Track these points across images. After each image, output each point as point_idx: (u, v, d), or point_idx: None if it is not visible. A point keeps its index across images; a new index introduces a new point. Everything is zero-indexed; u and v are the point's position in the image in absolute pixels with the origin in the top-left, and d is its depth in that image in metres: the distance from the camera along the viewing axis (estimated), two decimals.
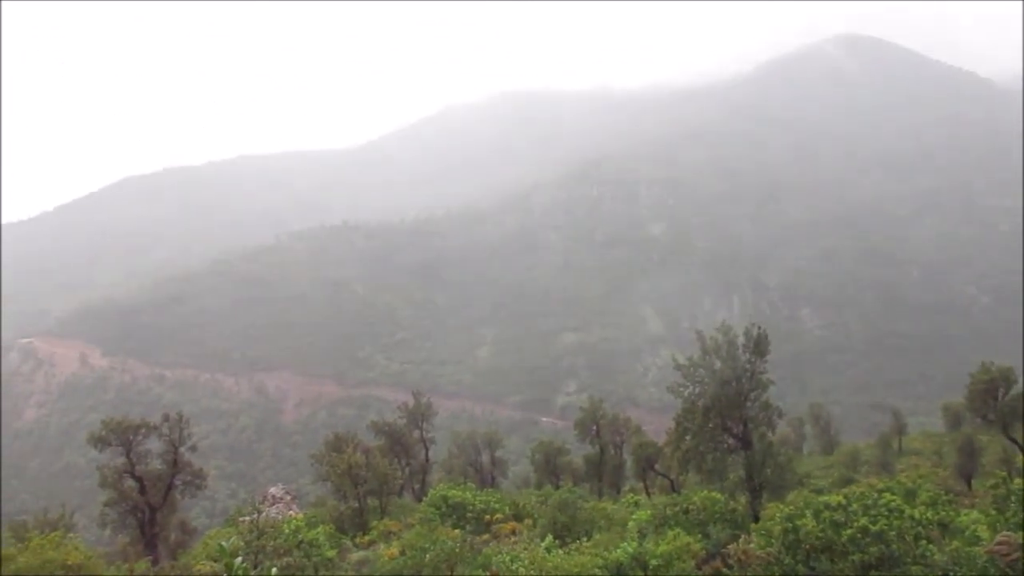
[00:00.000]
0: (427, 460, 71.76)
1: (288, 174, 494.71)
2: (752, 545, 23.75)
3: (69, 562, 27.02)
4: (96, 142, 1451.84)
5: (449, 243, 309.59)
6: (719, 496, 31.89)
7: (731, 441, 39.59)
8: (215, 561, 34.24)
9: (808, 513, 22.24)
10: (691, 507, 30.73)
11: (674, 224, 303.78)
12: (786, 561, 21.32)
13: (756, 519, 33.66)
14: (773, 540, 22.44)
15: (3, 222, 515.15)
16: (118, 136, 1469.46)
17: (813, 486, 54.24)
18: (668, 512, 30.70)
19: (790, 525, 21.83)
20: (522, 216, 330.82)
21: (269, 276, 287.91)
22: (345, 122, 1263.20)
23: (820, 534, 21.22)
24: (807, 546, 21.20)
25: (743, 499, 37.48)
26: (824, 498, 23.65)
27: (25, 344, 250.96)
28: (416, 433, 70.73)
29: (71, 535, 38.15)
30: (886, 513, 21.36)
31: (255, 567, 19.86)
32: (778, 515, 23.51)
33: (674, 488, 64.59)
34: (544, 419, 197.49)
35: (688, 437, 40.36)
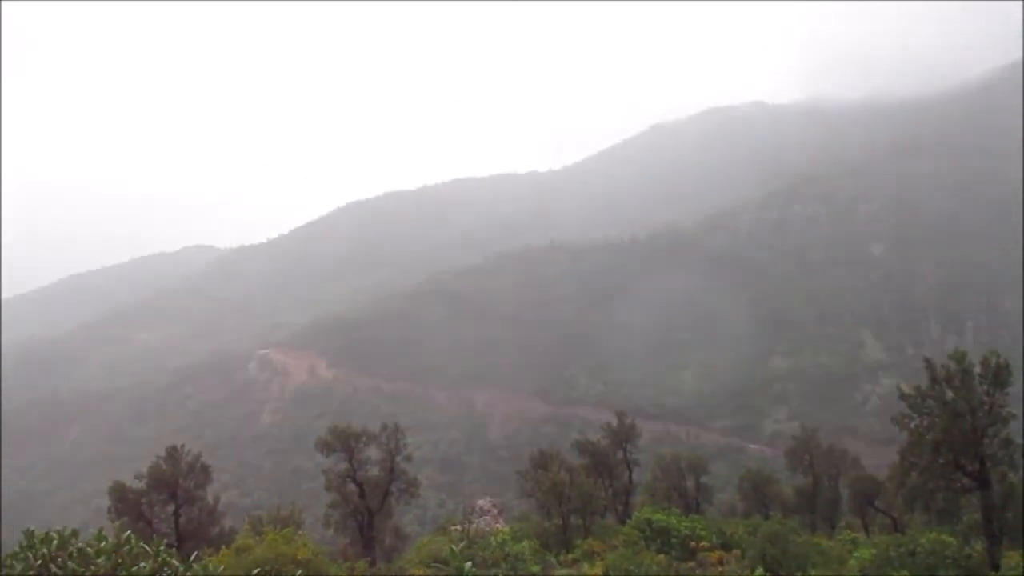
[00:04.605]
0: (630, 482, 71.17)
1: (497, 196, 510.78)
2: None
3: (299, 556, 29.24)
4: (324, 171, 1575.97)
5: (652, 264, 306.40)
6: (950, 539, 29.46)
7: (965, 480, 36.23)
8: (427, 567, 35.90)
9: None
10: (918, 549, 28.60)
11: (896, 243, 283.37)
12: None
13: (995, 567, 30.67)
14: None
15: (245, 244, 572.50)
16: (343, 165, 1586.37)
17: None
18: (892, 553, 28.73)
19: None
20: (728, 236, 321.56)
21: (478, 295, 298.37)
22: (553, 144, 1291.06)
23: None
24: None
25: (979, 545, 34.27)
26: None
27: (263, 355, 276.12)
28: (619, 454, 70.38)
29: (300, 532, 41.28)
30: None
31: None
32: (1022, 564, 21.36)
33: (896, 527, 60.09)
34: (752, 446, 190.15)
35: (915, 473, 37.35)
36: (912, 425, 37.40)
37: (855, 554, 30.30)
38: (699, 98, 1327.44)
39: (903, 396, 38.15)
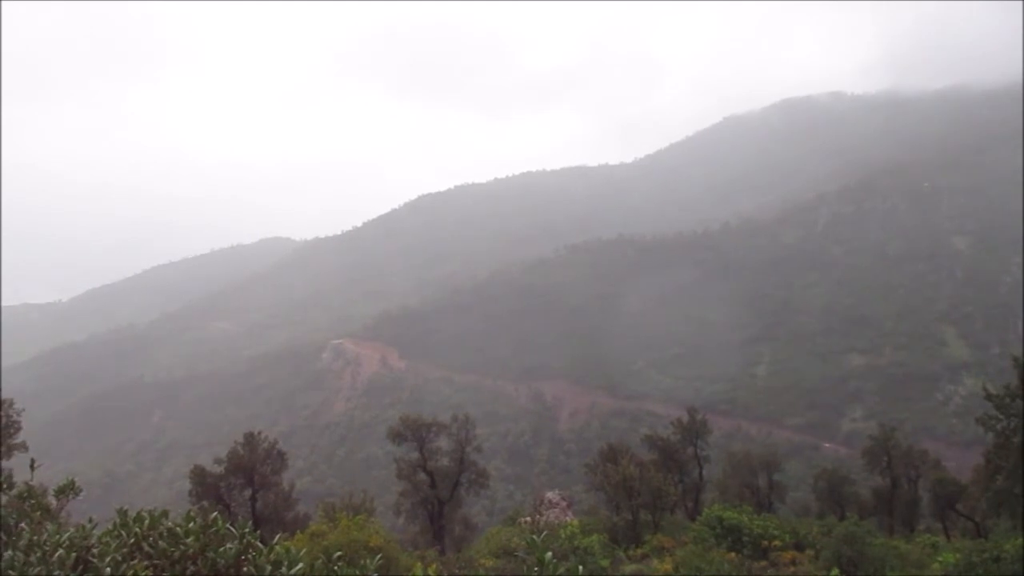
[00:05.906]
0: (701, 478, 70.28)
1: (568, 190, 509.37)
2: None
3: (371, 543, 29.75)
4: (397, 164, 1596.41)
5: (725, 257, 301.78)
6: None
7: None
8: (497, 557, 36.13)
9: None
10: (1003, 555, 27.47)
11: (980, 237, 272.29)
12: None
13: None
14: None
15: (320, 236, 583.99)
16: (415, 158, 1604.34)
17: None
18: (975, 558, 27.68)
19: None
20: (803, 230, 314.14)
21: (547, 287, 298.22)
22: (625, 137, 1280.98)
23: None
24: None
25: None
26: None
27: (337, 345, 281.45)
28: (690, 450, 69.57)
29: (372, 519, 41.93)
30: None
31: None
32: None
33: (979, 532, 57.94)
34: (827, 445, 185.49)
35: (1001, 476, 36.03)
36: (999, 427, 36.12)
37: (938, 558, 29.27)
38: (774, 89, 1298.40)
39: (989, 396, 36.82)
